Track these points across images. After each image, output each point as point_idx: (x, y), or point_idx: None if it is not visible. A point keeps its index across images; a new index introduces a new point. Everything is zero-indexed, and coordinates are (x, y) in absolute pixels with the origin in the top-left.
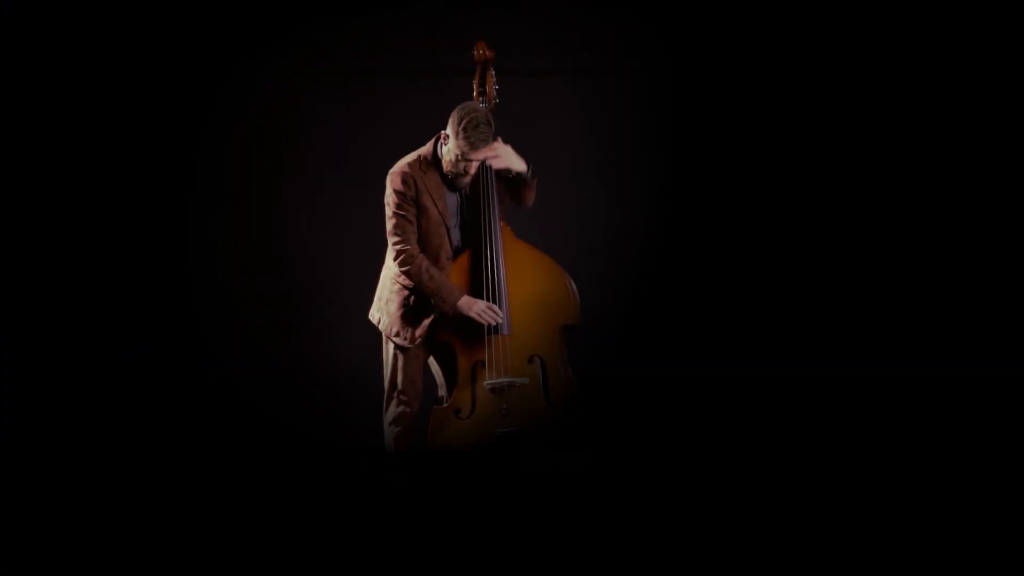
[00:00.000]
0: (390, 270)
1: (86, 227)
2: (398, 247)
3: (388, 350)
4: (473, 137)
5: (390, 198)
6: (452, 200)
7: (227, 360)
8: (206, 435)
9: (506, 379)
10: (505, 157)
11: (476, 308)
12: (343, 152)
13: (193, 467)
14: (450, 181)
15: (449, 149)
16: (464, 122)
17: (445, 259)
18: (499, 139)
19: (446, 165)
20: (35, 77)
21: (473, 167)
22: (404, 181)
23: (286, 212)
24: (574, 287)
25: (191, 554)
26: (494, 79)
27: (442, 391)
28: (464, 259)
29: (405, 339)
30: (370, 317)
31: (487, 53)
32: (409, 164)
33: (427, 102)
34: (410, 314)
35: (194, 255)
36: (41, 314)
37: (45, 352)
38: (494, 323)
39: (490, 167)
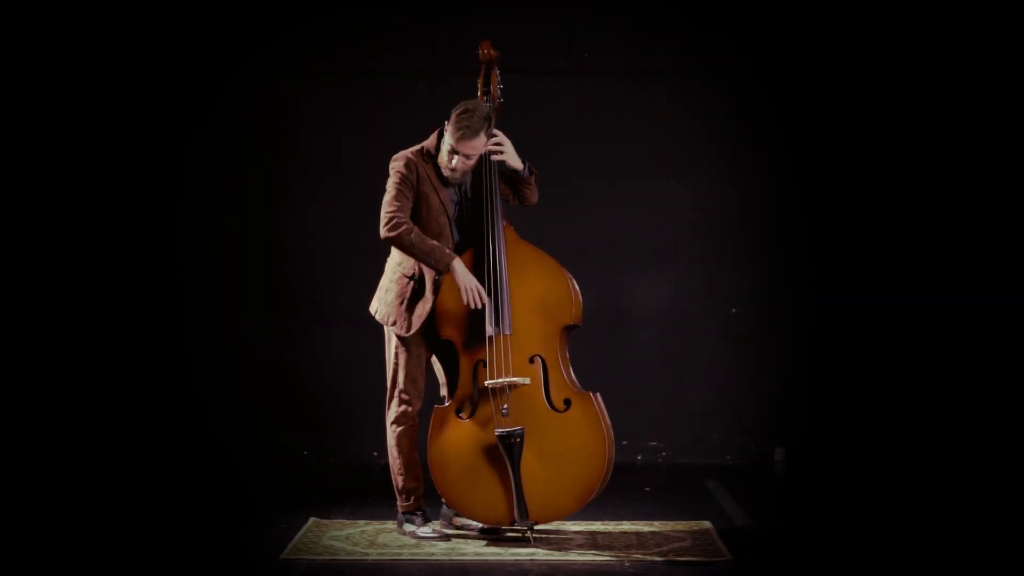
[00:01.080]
0: (389, 261)
1: (86, 228)
2: (390, 213)
3: (390, 349)
4: (460, 123)
5: (393, 177)
6: (451, 193)
7: (228, 360)
8: (207, 435)
9: (507, 379)
10: (507, 152)
11: (466, 280)
12: (343, 152)
13: (193, 467)
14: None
15: (444, 141)
16: (459, 111)
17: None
18: (500, 133)
19: (440, 160)
20: (36, 79)
21: (460, 163)
22: (407, 166)
23: (286, 212)
24: (576, 287)
25: (188, 553)
26: (499, 78)
27: (444, 391)
28: (466, 258)
29: (402, 328)
30: (370, 309)
31: (492, 52)
32: (413, 152)
33: (428, 102)
34: (408, 303)
35: (194, 255)
36: (40, 313)
37: (44, 352)
38: (476, 305)
39: (493, 165)
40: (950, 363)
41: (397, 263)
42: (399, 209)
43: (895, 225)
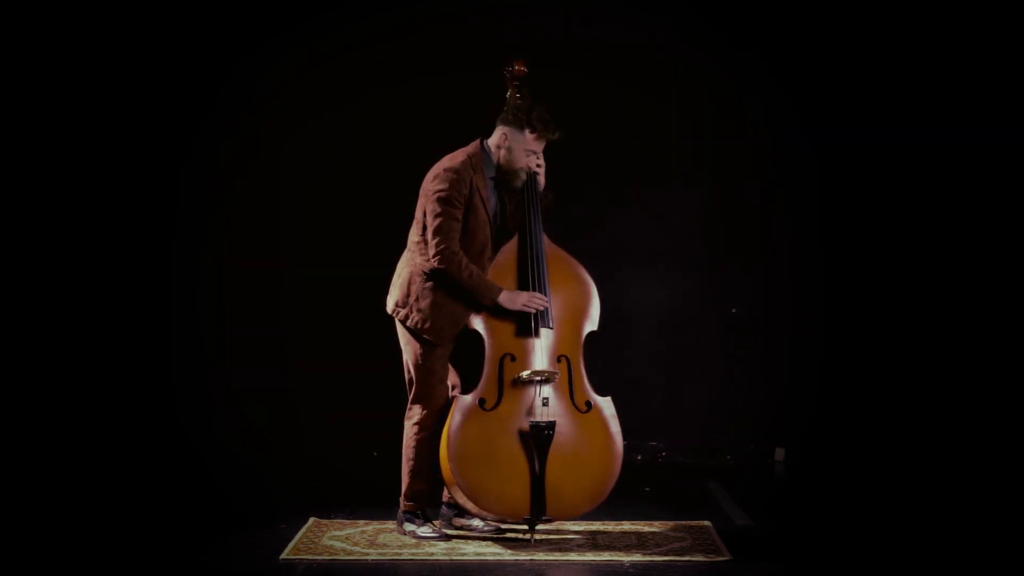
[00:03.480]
0: (418, 267)
1: (83, 228)
2: (440, 246)
3: (410, 351)
4: (543, 119)
5: (441, 194)
6: (495, 203)
7: (228, 359)
8: (207, 435)
9: (547, 369)
10: (542, 169)
11: (520, 300)
12: (343, 153)
13: (192, 467)
14: (498, 182)
15: (510, 148)
16: (534, 113)
17: (487, 259)
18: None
19: (510, 163)
20: (35, 80)
21: (533, 162)
22: (460, 179)
23: (286, 211)
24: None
25: (189, 554)
26: (527, 94)
27: (454, 390)
28: (510, 258)
29: (437, 337)
30: (392, 312)
31: (521, 70)
32: (463, 163)
33: (430, 103)
34: (444, 311)
35: (192, 254)
36: (36, 313)
37: (41, 352)
38: (541, 308)
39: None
40: (951, 363)
41: (428, 271)
42: (446, 238)
43: (896, 225)
